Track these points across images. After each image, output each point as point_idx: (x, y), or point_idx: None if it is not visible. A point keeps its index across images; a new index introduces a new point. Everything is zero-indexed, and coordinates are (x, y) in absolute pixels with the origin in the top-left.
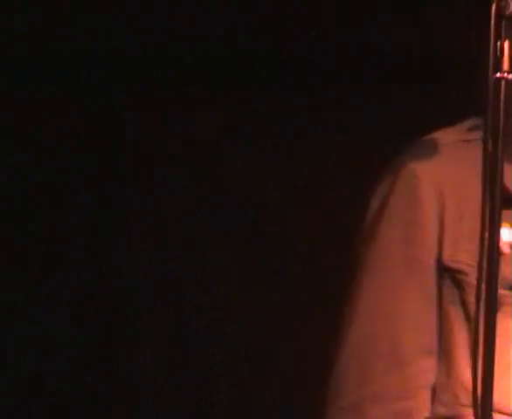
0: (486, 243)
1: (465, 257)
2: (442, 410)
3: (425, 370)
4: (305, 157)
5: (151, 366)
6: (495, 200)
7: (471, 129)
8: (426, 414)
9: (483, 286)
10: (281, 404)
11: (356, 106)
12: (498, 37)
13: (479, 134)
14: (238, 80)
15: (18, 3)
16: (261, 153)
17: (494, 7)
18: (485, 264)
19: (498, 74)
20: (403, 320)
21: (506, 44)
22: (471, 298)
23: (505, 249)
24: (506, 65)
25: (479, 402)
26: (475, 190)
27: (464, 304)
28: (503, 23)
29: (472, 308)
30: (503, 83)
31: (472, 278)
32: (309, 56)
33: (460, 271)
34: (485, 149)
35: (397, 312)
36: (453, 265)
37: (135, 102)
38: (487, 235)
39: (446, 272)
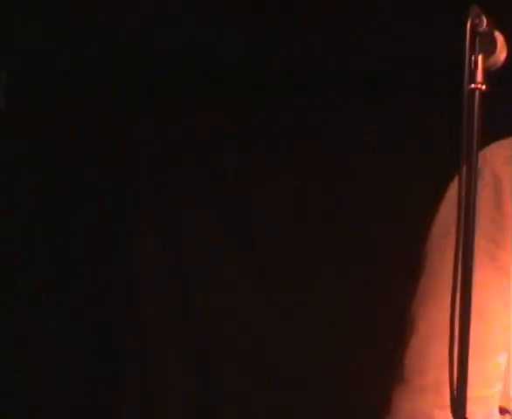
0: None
1: None
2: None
3: (502, 364)
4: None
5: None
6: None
7: None
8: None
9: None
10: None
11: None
12: (472, 51)
13: None
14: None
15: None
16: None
17: (468, 24)
18: None
19: (472, 85)
20: (489, 316)
21: (480, 58)
22: None
23: None
24: (479, 78)
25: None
26: None
27: None
28: (477, 38)
29: None
30: (477, 94)
31: None
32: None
33: None
34: (460, 162)
35: (484, 308)
36: None
37: (149, 109)
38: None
39: None
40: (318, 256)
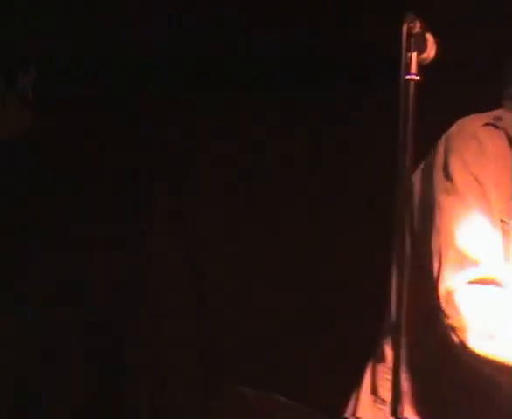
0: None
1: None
2: None
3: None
4: None
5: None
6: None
7: (496, 118)
8: None
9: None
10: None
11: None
12: (408, 49)
13: (502, 123)
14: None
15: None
16: None
17: (404, 27)
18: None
19: (408, 77)
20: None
21: (414, 55)
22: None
23: None
24: (414, 69)
25: None
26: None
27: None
28: (412, 39)
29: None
30: (412, 84)
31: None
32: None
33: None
34: (400, 148)
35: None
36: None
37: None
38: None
39: None
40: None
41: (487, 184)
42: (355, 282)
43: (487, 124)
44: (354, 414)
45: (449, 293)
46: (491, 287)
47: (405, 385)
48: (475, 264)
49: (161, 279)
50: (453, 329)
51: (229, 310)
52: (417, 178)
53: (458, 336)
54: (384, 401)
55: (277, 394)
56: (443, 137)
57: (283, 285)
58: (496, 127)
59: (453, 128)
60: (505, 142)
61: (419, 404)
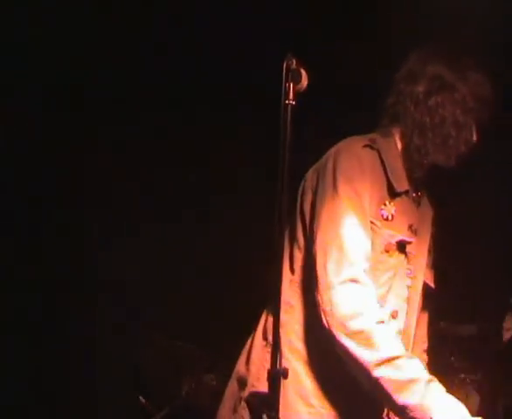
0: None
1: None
2: None
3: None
4: None
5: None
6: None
7: (371, 140)
8: None
9: None
10: None
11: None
12: (287, 80)
13: (376, 145)
14: None
15: None
16: None
17: (284, 64)
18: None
19: (286, 101)
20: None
21: (291, 85)
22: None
23: None
24: (291, 96)
25: None
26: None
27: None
28: (289, 73)
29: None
30: (289, 107)
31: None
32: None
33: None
34: (281, 161)
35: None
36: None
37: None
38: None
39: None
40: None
41: (363, 195)
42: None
43: (365, 145)
44: (248, 357)
45: (328, 286)
46: (358, 286)
47: (286, 337)
48: (351, 263)
49: None
50: (325, 314)
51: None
52: (309, 176)
53: (327, 321)
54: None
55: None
56: (333, 150)
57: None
58: (372, 148)
59: (341, 146)
60: (378, 161)
61: (303, 355)
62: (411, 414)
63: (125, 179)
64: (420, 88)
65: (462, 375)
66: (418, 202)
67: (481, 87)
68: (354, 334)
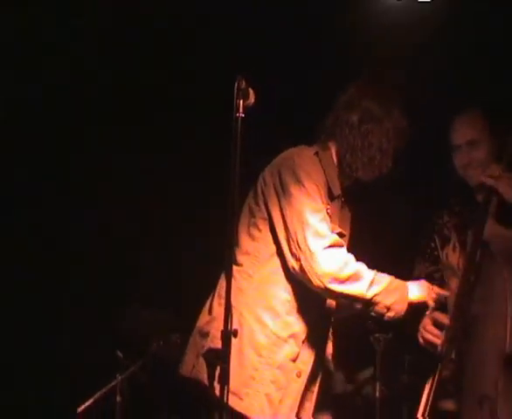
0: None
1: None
2: None
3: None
4: None
5: None
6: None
7: (315, 151)
8: None
9: None
10: None
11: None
12: (238, 97)
13: (319, 156)
14: None
15: None
16: None
17: (236, 83)
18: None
19: (237, 114)
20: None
21: (241, 101)
22: None
23: None
24: (241, 110)
25: None
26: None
27: None
28: (240, 91)
29: None
30: (239, 119)
31: None
32: None
33: None
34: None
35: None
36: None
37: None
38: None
39: None
40: None
41: (320, 187)
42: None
43: (315, 153)
44: (210, 312)
45: (314, 254)
46: (335, 247)
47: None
48: (324, 235)
49: None
50: (317, 277)
51: None
52: (267, 175)
53: (322, 282)
54: None
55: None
56: (287, 154)
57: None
58: (318, 156)
59: (295, 151)
60: (322, 169)
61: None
62: (397, 305)
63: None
64: (355, 117)
65: (377, 335)
66: (341, 206)
67: (402, 124)
68: (347, 279)
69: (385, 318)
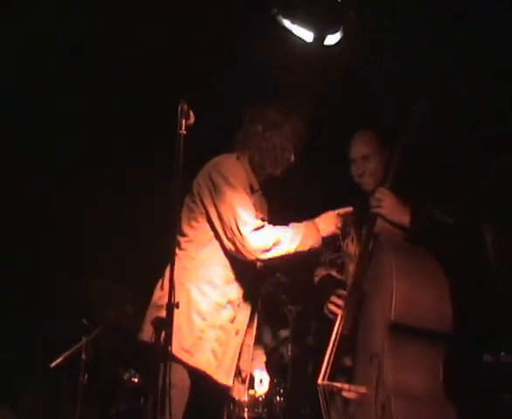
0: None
1: None
2: None
3: None
4: None
5: None
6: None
7: (237, 156)
8: None
9: None
10: None
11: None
12: (181, 117)
13: (240, 160)
14: None
15: None
16: None
17: (180, 107)
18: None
19: (180, 132)
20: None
21: (183, 121)
22: None
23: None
24: (183, 128)
25: None
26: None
27: None
28: (182, 113)
29: None
30: (182, 136)
31: None
32: None
33: None
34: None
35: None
36: None
37: None
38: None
39: None
40: None
41: (244, 184)
42: None
43: (236, 158)
44: (161, 288)
45: (245, 236)
46: (259, 229)
47: (189, 277)
48: (251, 221)
49: None
50: (250, 253)
51: None
52: (201, 179)
53: (254, 256)
54: None
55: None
56: (215, 161)
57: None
58: (239, 160)
59: (221, 159)
60: (244, 170)
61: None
62: (314, 244)
63: None
64: (259, 127)
65: (289, 307)
66: (260, 197)
67: (298, 127)
68: (272, 246)
69: (309, 253)
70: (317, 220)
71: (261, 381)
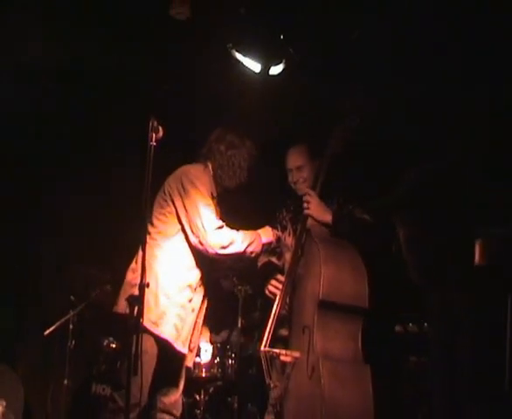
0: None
1: None
2: None
3: None
4: None
5: None
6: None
7: (203, 165)
8: None
9: None
10: None
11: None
12: (151, 131)
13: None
14: None
15: None
16: None
17: (150, 123)
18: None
19: (151, 143)
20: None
21: (153, 134)
22: None
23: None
24: (153, 140)
25: None
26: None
27: None
28: (153, 127)
29: None
30: (152, 147)
31: None
32: None
33: None
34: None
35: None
36: None
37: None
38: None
39: None
40: None
41: (208, 190)
42: None
43: (204, 168)
44: (133, 272)
45: (207, 233)
46: (221, 229)
47: (158, 262)
48: (214, 221)
49: None
50: (210, 247)
51: None
52: (171, 183)
53: (213, 250)
54: None
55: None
56: (183, 169)
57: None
58: (205, 170)
59: (189, 167)
60: (209, 178)
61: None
62: (256, 248)
63: None
64: (222, 147)
65: (239, 287)
66: (218, 204)
67: (253, 150)
68: (228, 245)
69: (250, 258)
70: (259, 231)
71: (206, 351)
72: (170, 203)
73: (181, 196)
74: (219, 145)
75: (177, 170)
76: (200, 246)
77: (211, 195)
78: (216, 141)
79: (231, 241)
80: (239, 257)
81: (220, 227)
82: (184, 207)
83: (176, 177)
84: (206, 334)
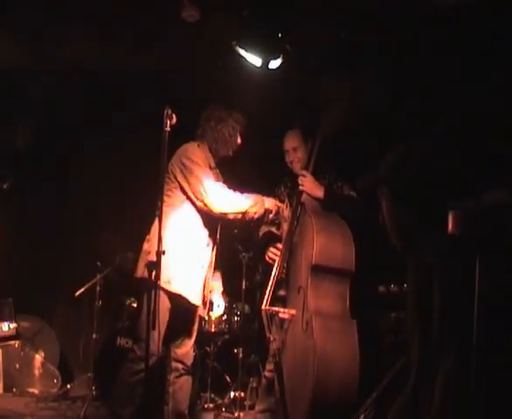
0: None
1: None
2: None
3: None
4: None
5: None
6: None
7: (198, 144)
8: None
9: None
10: None
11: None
12: (167, 119)
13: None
14: None
15: None
16: None
17: (165, 111)
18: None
19: (165, 129)
20: None
21: (168, 121)
22: None
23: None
24: (168, 126)
25: None
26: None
27: None
28: (168, 115)
29: None
30: (167, 132)
31: None
32: None
33: None
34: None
35: None
36: None
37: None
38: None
39: None
40: None
41: (205, 163)
42: None
43: (198, 146)
44: (149, 240)
45: (209, 196)
46: (221, 192)
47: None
48: (212, 187)
49: None
50: (215, 208)
51: None
52: (175, 162)
53: (218, 210)
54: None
55: None
56: (182, 149)
57: None
58: (199, 147)
59: (186, 146)
60: (203, 153)
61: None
62: (259, 210)
63: None
64: (212, 122)
65: (243, 253)
66: (217, 174)
67: (239, 118)
68: (231, 204)
69: (254, 218)
70: (263, 197)
71: (218, 306)
72: (174, 180)
73: (182, 172)
74: (209, 122)
75: (177, 151)
76: (205, 208)
77: (209, 165)
78: (206, 120)
79: (234, 201)
80: (244, 218)
81: (220, 188)
82: (186, 179)
83: (176, 157)
84: (219, 289)
